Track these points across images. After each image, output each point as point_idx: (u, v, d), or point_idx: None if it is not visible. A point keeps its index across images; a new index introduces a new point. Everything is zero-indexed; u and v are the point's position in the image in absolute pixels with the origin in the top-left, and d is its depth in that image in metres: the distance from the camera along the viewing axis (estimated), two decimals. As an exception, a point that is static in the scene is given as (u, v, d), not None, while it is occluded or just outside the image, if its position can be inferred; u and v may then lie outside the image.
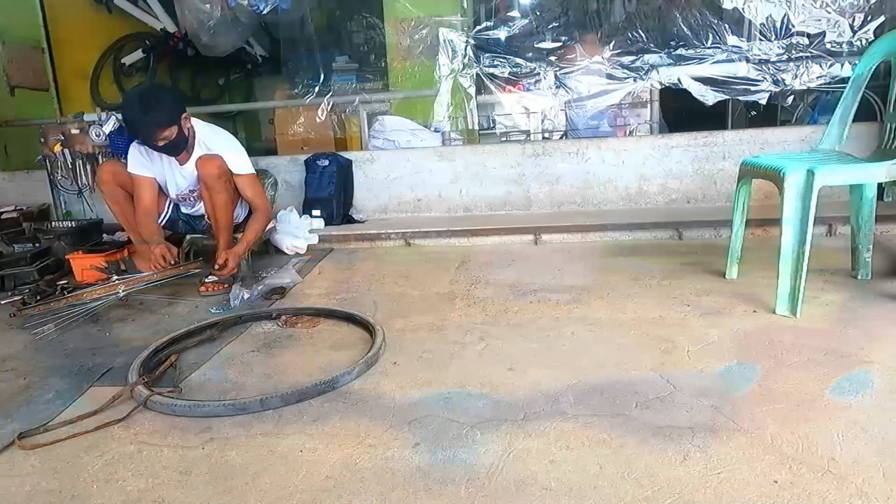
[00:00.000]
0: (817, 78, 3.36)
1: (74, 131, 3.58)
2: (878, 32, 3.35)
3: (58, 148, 3.65)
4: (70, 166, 3.72)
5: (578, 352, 1.79)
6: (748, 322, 1.92)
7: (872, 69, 2.14)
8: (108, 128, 3.41)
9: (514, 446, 1.31)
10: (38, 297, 2.53)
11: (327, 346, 1.98)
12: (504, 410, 1.47)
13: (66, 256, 3.04)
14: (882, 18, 3.42)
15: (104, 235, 3.51)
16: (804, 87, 3.39)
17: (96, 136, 3.53)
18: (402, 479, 1.22)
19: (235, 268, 2.67)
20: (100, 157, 3.64)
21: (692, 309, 2.07)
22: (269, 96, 5.73)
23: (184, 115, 2.61)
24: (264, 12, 4.22)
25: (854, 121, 2.23)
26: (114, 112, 3.54)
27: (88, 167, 3.71)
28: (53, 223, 3.65)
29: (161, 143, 2.55)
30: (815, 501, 1.08)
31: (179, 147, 2.63)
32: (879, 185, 2.15)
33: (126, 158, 2.78)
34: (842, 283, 2.22)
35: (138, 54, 5.69)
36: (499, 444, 1.33)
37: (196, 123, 2.72)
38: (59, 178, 3.89)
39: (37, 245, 3.29)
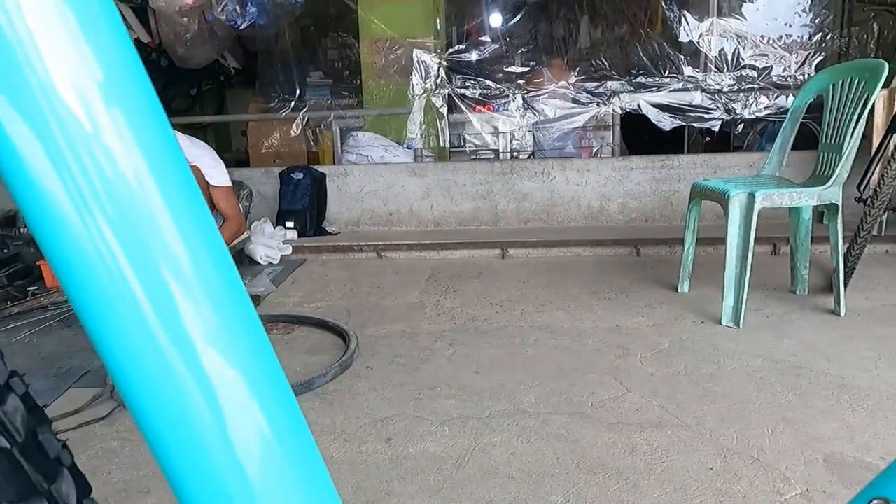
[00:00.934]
0: (765, 108, 3.62)
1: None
2: (819, 67, 3.64)
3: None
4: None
5: (540, 357, 1.92)
6: (696, 332, 2.09)
7: (807, 103, 2.36)
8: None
9: (480, 440, 1.43)
10: (9, 302, 2.54)
11: (303, 350, 2.06)
12: (471, 409, 1.59)
13: (38, 262, 3.04)
14: (823, 56, 3.71)
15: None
16: (753, 116, 3.65)
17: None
18: (375, 469, 1.32)
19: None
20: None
21: (646, 319, 2.23)
22: (242, 108, 5.79)
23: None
24: (241, 27, 4.31)
25: (795, 149, 2.45)
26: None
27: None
28: (22, 229, 3.63)
29: None
30: (744, 484, 1.22)
31: None
32: (817, 208, 2.36)
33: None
34: (781, 297, 2.41)
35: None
36: (466, 438, 1.44)
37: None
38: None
39: (5, 251, 3.28)
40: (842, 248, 2.16)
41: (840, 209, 2.11)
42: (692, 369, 1.79)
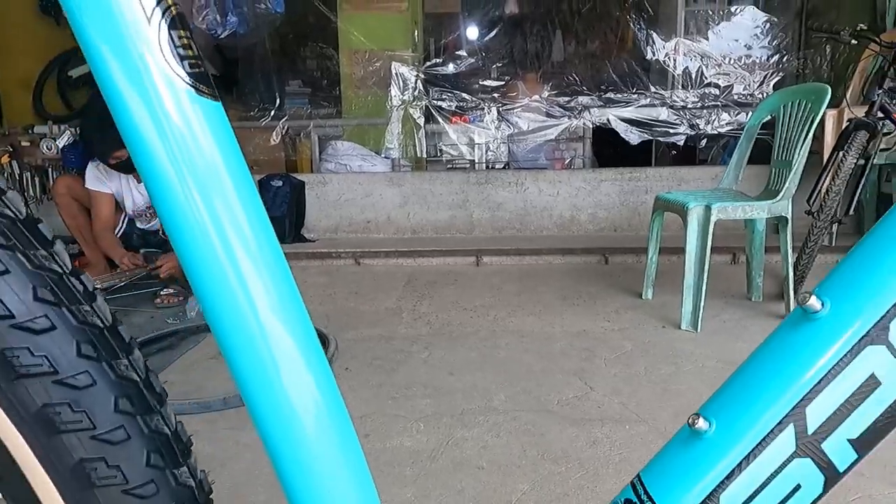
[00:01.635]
0: (726, 124, 3.81)
1: (25, 143, 3.60)
2: (778, 86, 3.84)
3: (5, 159, 3.66)
4: (17, 178, 3.72)
5: (511, 359, 2.03)
6: (657, 335, 2.22)
7: (761, 122, 2.52)
8: (63, 142, 3.46)
9: (453, 435, 1.52)
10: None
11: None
12: (445, 407, 1.68)
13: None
14: (781, 75, 3.92)
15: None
16: (715, 132, 3.83)
17: (47, 148, 3.56)
18: (355, 462, 1.41)
19: (173, 268, 2.73)
20: (50, 169, 3.66)
21: (612, 324, 2.36)
22: (221, 115, 5.81)
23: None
24: (221, 36, 4.37)
25: (755, 163, 2.61)
26: (68, 126, 3.59)
27: (37, 179, 3.72)
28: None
29: (113, 162, 2.67)
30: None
31: (132, 167, 2.75)
32: (770, 219, 2.51)
33: (78, 172, 2.87)
34: (738, 304, 2.56)
35: (86, 67, 5.65)
36: (439, 434, 1.53)
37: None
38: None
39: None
40: (791, 257, 2.32)
41: (790, 221, 2.27)
42: (652, 370, 1.91)
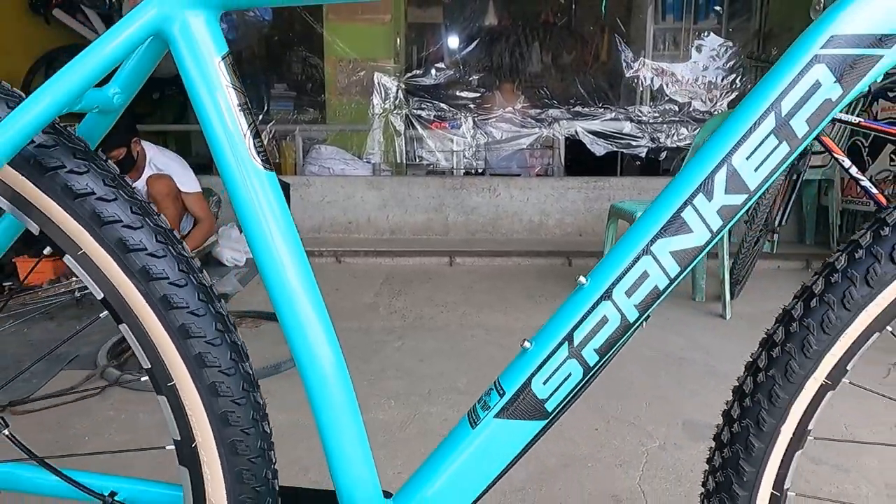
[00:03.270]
0: (685, 138, 4.11)
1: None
2: (732, 104, 4.16)
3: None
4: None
5: (476, 350, 2.28)
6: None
7: (705, 140, 2.81)
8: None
9: (420, 411, 1.76)
10: (-11, 297, 2.73)
11: (270, 341, 2.36)
12: (414, 388, 1.92)
13: (14, 259, 3.22)
14: (735, 94, 4.24)
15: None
16: (675, 146, 4.13)
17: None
18: (334, 431, 1.64)
19: None
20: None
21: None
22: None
23: (133, 140, 2.93)
24: (211, 42, 4.54)
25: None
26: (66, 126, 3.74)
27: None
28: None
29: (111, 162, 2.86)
30: (619, 439, 1.60)
31: (124, 168, 2.94)
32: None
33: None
34: (682, 303, 2.84)
35: (75, 66, 5.78)
36: (408, 409, 1.77)
37: (147, 146, 3.04)
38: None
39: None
40: (728, 262, 2.61)
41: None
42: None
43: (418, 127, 4.31)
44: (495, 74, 4.97)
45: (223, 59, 0.50)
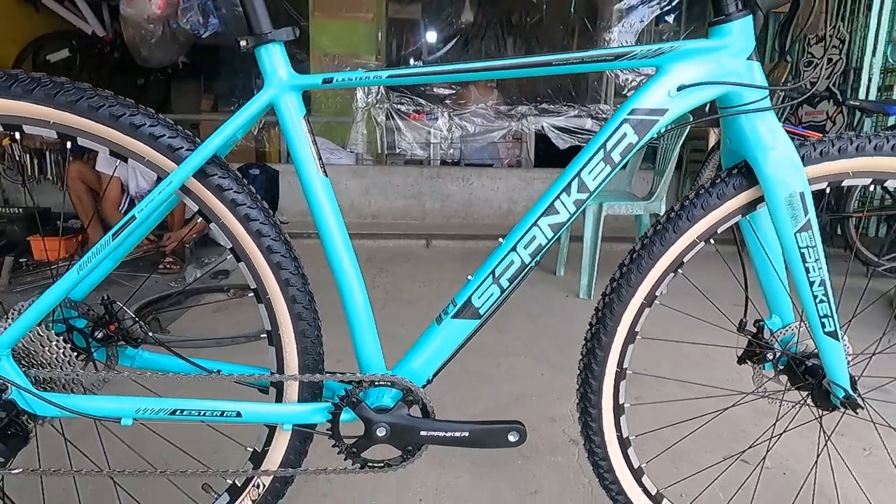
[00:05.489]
0: (640, 135, 4.54)
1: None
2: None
3: (6, 142, 4.06)
4: (17, 159, 4.14)
5: (447, 316, 2.68)
6: (560, 302, 2.91)
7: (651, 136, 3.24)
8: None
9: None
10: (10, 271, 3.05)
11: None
12: (393, 347, 2.32)
13: (27, 238, 3.52)
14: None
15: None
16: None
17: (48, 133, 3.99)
18: (332, 375, 2.03)
19: (176, 243, 3.29)
20: (48, 153, 4.10)
21: (531, 294, 3.04)
22: (187, 99, 6.25)
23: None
24: (204, 36, 4.83)
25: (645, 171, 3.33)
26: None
27: (36, 161, 4.15)
28: (2, 209, 4.04)
29: None
30: (558, 382, 2.02)
31: None
32: (654, 214, 3.24)
33: (82, 156, 3.36)
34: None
35: (64, 52, 6.00)
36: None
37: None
38: (2, 168, 4.27)
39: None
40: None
41: (662, 217, 2.99)
42: (550, 325, 2.59)
43: (398, 120, 4.67)
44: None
45: (304, 117, 0.88)
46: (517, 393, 1.95)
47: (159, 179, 0.84)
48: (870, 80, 3.59)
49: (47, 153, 4.10)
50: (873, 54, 3.60)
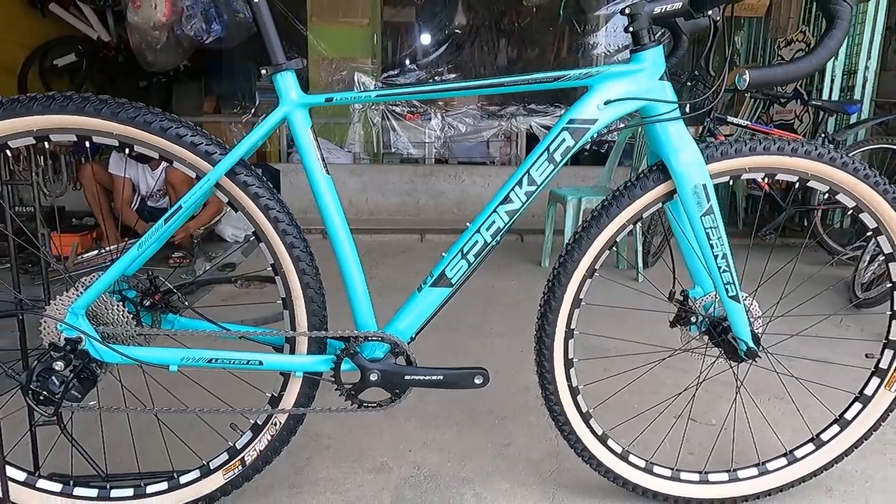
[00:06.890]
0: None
1: (40, 131, 4.24)
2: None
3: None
4: (33, 161, 4.35)
5: (438, 302, 2.92)
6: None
7: (627, 138, 3.48)
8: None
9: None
10: (29, 266, 3.28)
11: (275, 298, 2.96)
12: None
13: (45, 233, 3.74)
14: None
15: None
16: (613, 140, 4.80)
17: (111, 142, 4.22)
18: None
19: (184, 238, 3.51)
20: (62, 156, 4.32)
21: (514, 282, 3.27)
22: (189, 101, 6.48)
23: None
24: (206, 42, 5.05)
25: (624, 166, 3.56)
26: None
27: (50, 163, 4.37)
28: (19, 208, 4.26)
29: (134, 155, 3.41)
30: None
31: (145, 159, 3.48)
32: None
33: (95, 157, 3.59)
34: (606, 271, 3.52)
35: (71, 57, 6.22)
36: (386, 340, 2.41)
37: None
38: (17, 168, 4.49)
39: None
40: (640, 238, 3.28)
41: (637, 211, 3.23)
42: (531, 310, 2.82)
43: (393, 120, 4.90)
44: (463, 71, 5.56)
45: (311, 128, 1.11)
46: (497, 367, 2.19)
47: (198, 178, 1.08)
48: (832, 81, 3.83)
49: (62, 156, 4.33)
50: (836, 57, 3.84)
